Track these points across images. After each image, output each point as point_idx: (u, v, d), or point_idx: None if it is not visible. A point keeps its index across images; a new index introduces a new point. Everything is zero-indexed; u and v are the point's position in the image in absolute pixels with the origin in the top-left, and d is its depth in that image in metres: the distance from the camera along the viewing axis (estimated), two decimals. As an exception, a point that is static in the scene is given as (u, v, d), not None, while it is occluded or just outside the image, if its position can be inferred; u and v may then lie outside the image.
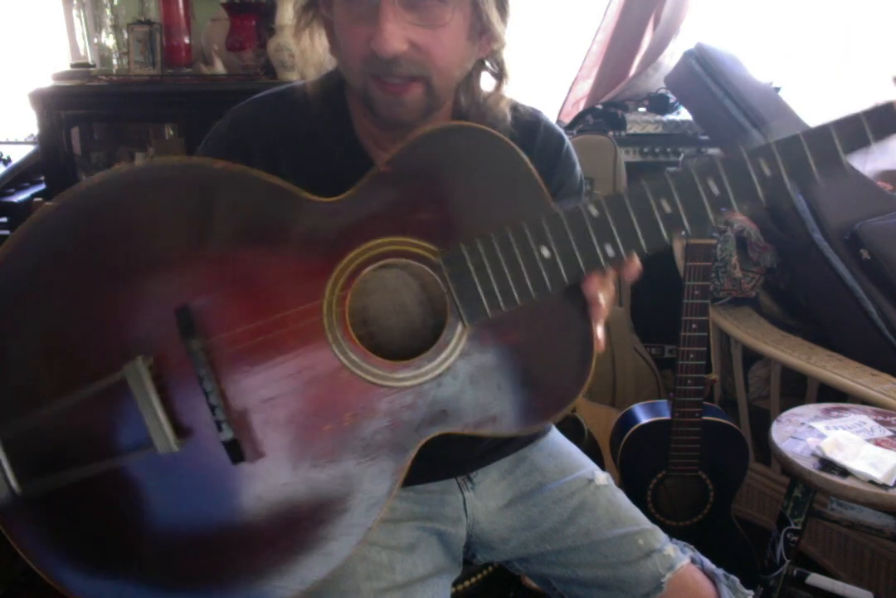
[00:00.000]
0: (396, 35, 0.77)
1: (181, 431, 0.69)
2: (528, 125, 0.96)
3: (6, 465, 0.67)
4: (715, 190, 0.73)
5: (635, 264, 0.78)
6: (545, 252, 0.74)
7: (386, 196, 0.78)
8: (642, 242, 0.74)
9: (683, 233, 0.74)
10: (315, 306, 0.73)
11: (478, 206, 0.78)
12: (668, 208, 0.74)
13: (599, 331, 0.79)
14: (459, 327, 0.76)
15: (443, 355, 0.75)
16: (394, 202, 0.77)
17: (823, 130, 0.74)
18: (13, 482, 0.67)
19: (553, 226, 0.74)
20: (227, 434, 0.69)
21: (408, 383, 0.74)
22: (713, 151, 1.59)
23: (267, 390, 0.72)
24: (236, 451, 0.70)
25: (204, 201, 0.73)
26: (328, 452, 0.73)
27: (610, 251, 0.74)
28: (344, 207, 0.77)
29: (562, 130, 1.01)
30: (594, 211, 0.74)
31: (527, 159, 0.79)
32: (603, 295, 0.78)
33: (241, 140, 0.91)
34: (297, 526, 0.72)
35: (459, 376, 0.76)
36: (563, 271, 0.75)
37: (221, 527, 0.72)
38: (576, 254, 0.74)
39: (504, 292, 0.75)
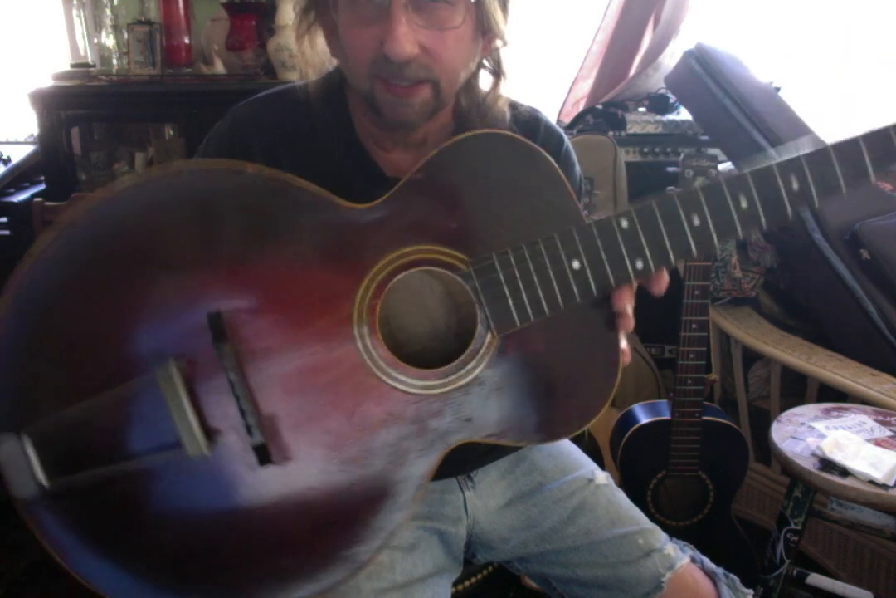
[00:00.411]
0: (409, 38, 0.77)
1: (210, 434, 0.69)
2: (528, 124, 0.96)
3: (35, 461, 0.68)
4: (744, 204, 0.73)
5: (664, 278, 0.78)
6: (575, 264, 0.74)
7: (417, 204, 0.77)
8: (671, 255, 0.74)
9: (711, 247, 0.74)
10: (345, 314, 0.73)
11: (509, 214, 0.77)
12: (697, 221, 0.73)
13: (624, 344, 0.79)
14: (488, 337, 0.76)
15: (471, 365, 0.76)
16: (425, 210, 0.77)
17: (853, 144, 0.73)
18: (42, 477, 0.67)
19: (584, 238, 0.74)
20: (258, 438, 0.69)
21: (436, 392, 0.75)
22: (713, 151, 1.59)
23: (296, 396, 0.72)
24: (265, 455, 0.70)
25: (237, 207, 0.73)
26: (355, 457, 0.73)
27: (640, 264, 0.74)
28: (375, 214, 0.77)
29: (561, 130, 1.01)
30: (624, 223, 0.74)
31: (557, 167, 0.78)
32: (629, 307, 0.78)
33: (242, 139, 0.91)
34: (322, 530, 0.73)
35: (486, 386, 0.76)
36: (592, 284, 0.75)
37: (246, 530, 0.72)
38: (606, 267, 0.74)
39: (534, 303, 0.75)
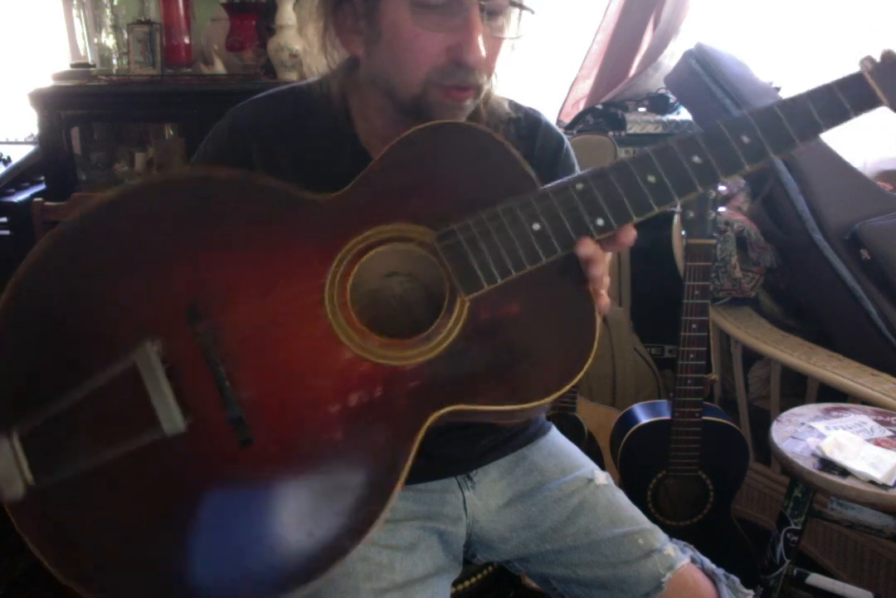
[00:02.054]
0: (484, 45, 0.79)
1: (188, 411, 0.70)
2: (529, 126, 0.97)
3: (23, 460, 0.68)
4: (698, 160, 0.75)
5: (630, 231, 0.78)
6: (536, 226, 0.76)
7: (379, 188, 0.79)
8: (631, 211, 0.76)
9: (674, 204, 0.76)
10: (317, 296, 0.74)
11: (467, 190, 0.79)
12: (653, 179, 0.75)
13: (604, 302, 0.79)
14: (458, 302, 0.76)
15: (445, 332, 0.75)
16: (387, 193, 0.79)
17: (800, 100, 0.76)
18: (28, 475, 0.68)
19: (541, 201, 0.76)
20: (235, 412, 0.70)
21: (413, 361, 0.74)
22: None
23: (272, 372, 0.73)
24: (244, 431, 0.70)
25: (206, 206, 0.77)
26: (337, 434, 0.72)
27: (600, 221, 0.76)
28: (341, 202, 0.78)
29: (561, 132, 1.01)
30: (580, 186, 0.76)
31: (508, 145, 0.81)
32: (602, 269, 0.78)
33: (242, 138, 0.91)
34: (308, 514, 0.72)
35: (463, 352, 0.76)
36: (555, 242, 0.76)
37: (233, 514, 0.71)
38: (566, 225, 0.75)
39: (498, 263, 0.75)
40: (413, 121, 0.83)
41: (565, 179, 0.77)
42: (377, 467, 0.72)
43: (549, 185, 0.77)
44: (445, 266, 0.76)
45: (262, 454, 0.71)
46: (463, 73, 0.80)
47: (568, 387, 0.76)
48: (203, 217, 0.76)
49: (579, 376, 0.76)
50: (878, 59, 0.76)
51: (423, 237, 0.77)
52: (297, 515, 0.71)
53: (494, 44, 0.83)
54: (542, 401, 0.75)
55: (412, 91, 0.83)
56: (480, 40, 0.78)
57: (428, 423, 0.73)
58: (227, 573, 0.71)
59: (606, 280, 0.79)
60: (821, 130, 0.76)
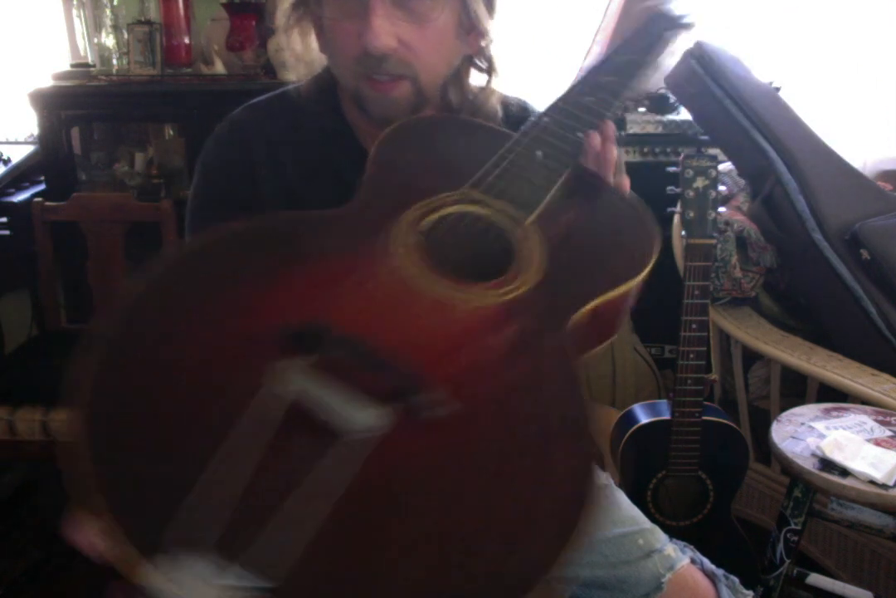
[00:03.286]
0: (386, 31, 0.78)
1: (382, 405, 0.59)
2: (518, 116, 0.97)
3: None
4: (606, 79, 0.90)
5: (608, 127, 0.85)
6: (539, 153, 0.81)
7: (387, 185, 0.79)
8: (592, 119, 0.85)
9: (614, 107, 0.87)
10: (406, 272, 0.71)
11: (463, 160, 0.82)
12: (590, 99, 0.86)
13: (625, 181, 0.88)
14: (525, 230, 0.77)
15: (532, 255, 0.75)
16: (398, 185, 0.80)
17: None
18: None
19: (526, 137, 0.82)
20: (429, 392, 0.60)
21: (526, 287, 0.73)
22: (713, 151, 1.59)
23: (420, 354, 0.65)
24: (439, 406, 0.61)
25: (254, 250, 0.72)
26: (512, 380, 0.67)
27: (579, 134, 0.84)
28: (363, 203, 0.77)
29: None
30: (546, 118, 0.84)
31: (470, 119, 0.88)
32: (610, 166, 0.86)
33: (243, 141, 0.91)
34: (533, 467, 0.62)
35: (556, 265, 0.76)
36: (560, 156, 0.82)
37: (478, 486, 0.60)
38: (560, 144, 0.82)
39: (533, 183, 0.79)
40: (365, 116, 0.86)
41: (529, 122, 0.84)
42: (562, 395, 0.68)
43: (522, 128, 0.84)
44: (493, 204, 0.77)
45: (465, 425, 0.62)
46: (374, 61, 0.79)
47: (654, 257, 0.80)
48: (275, 258, 0.71)
49: (657, 242, 0.81)
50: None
51: (457, 196, 0.77)
52: (526, 470, 0.62)
53: (417, 30, 0.80)
54: (641, 274, 0.79)
55: (349, 84, 0.84)
56: (382, 25, 0.77)
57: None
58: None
59: (614, 159, 0.87)
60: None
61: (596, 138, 0.84)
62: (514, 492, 0.60)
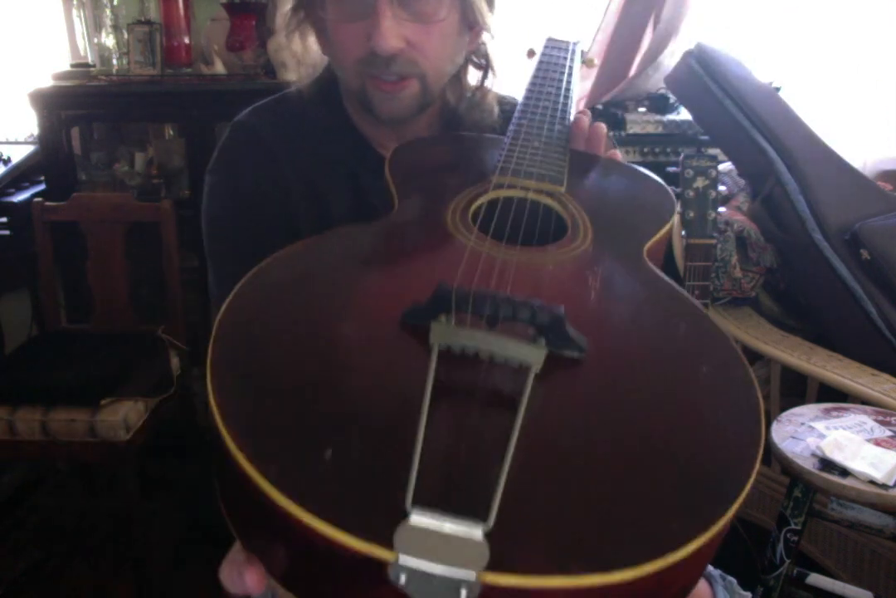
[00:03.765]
0: (394, 32, 0.77)
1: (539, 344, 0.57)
2: (513, 109, 0.97)
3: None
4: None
5: (595, 128, 0.88)
6: (536, 144, 0.84)
7: (420, 185, 0.80)
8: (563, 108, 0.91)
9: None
10: (465, 244, 0.71)
11: (474, 162, 0.86)
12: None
13: (617, 154, 0.89)
14: (562, 198, 0.79)
15: (579, 214, 0.78)
16: (430, 186, 0.81)
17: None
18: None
19: (518, 137, 0.85)
20: (573, 339, 0.58)
21: (589, 242, 0.75)
22: (713, 151, 1.60)
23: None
24: (579, 350, 0.58)
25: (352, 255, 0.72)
26: (625, 316, 0.67)
27: (558, 126, 0.88)
28: (404, 207, 0.77)
29: None
30: (522, 120, 0.88)
31: (476, 134, 0.91)
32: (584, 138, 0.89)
33: (261, 139, 0.91)
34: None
35: (598, 227, 0.78)
36: (563, 133, 0.87)
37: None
38: (556, 126, 0.87)
39: (552, 163, 0.82)
40: (370, 116, 0.86)
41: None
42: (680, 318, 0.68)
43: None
44: (525, 184, 0.78)
45: (612, 367, 0.60)
46: (382, 62, 0.79)
47: (676, 202, 0.85)
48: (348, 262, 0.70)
49: (671, 193, 0.84)
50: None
51: (491, 183, 0.78)
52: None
53: (424, 30, 0.80)
54: (674, 217, 0.82)
55: (353, 85, 0.84)
56: (390, 26, 0.77)
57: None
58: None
59: (605, 132, 0.90)
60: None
61: (583, 120, 0.87)
62: (694, 401, 0.60)
